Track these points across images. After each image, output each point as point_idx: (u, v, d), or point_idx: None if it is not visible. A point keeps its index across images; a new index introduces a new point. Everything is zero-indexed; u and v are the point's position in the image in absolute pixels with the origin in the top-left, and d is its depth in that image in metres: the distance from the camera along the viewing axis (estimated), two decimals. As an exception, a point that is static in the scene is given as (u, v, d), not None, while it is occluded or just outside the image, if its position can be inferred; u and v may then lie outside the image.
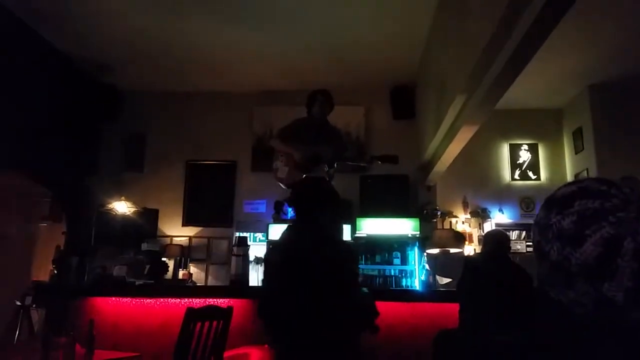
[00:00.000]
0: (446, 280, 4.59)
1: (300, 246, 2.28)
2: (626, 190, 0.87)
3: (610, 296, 0.80)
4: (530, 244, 7.58)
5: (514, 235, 7.65)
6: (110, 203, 6.95)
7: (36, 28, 6.29)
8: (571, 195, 0.88)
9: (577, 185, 0.91)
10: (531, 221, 7.62)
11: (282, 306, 2.10)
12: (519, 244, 7.60)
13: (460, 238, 5.27)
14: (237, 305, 2.48)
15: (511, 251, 7.22)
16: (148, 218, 7.20)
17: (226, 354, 2.36)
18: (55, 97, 6.71)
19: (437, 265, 4.63)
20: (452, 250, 4.81)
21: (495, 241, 3.33)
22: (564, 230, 0.85)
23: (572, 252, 0.83)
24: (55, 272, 4.79)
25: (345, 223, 4.65)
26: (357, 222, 6.98)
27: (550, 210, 0.88)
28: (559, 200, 0.89)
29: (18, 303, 5.34)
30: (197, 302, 3.28)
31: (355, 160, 3.99)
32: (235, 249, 3.70)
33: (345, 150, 4.14)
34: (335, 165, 3.86)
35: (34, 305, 5.70)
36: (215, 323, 2.12)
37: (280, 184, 3.90)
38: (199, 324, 1.99)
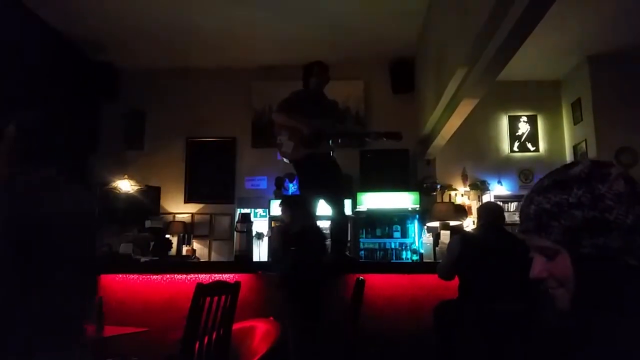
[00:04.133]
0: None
1: None
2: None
3: None
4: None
5: (512, 206, 7.72)
6: (112, 181, 6.99)
7: (31, 6, 6.22)
8: (600, 166, 0.92)
9: (588, 160, 0.95)
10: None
11: None
12: (517, 215, 7.66)
13: (460, 211, 5.33)
14: (242, 279, 2.54)
15: (509, 222, 7.38)
16: (150, 196, 7.26)
17: (234, 326, 2.43)
18: (51, 76, 6.66)
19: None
20: (452, 223, 4.86)
21: (491, 213, 3.37)
22: (621, 194, 0.87)
23: None
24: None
25: (346, 198, 4.69)
26: (358, 197, 7.04)
27: (588, 185, 0.89)
28: (590, 175, 0.91)
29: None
30: (203, 278, 3.35)
31: (361, 136, 4.00)
32: (238, 225, 3.77)
33: (342, 122, 4.13)
34: (340, 140, 3.87)
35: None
36: (223, 297, 2.19)
37: (285, 159, 3.91)
38: (208, 299, 2.05)
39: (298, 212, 3.23)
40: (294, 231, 3.09)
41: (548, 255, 0.95)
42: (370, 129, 7.17)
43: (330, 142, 3.80)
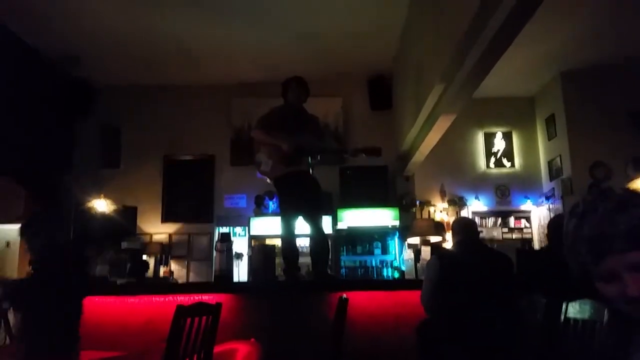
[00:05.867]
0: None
1: None
2: None
3: None
4: (506, 230, 7.77)
5: (490, 222, 7.81)
6: (88, 201, 6.84)
7: (5, 22, 6.11)
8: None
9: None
10: (506, 208, 7.80)
11: None
12: (495, 230, 7.77)
13: (440, 227, 5.35)
14: (222, 300, 2.49)
15: (487, 238, 7.46)
16: (127, 216, 7.12)
17: (215, 349, 2.37)
18: (24, 93, 6.53)
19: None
20: (433, 239, 4.88)
21: (467, 229, 3.33)
22: None
23: None
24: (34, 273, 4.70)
25: (326, 214, 4.65)
26: (338, 214, 7.03)
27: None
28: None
29: (-5, 306, 5.23)
30: (182, 299, 3.27)
31: (340, 152, 3.94)
32: (218, 244, 3.69)
33: (322, 136, 4.10)
34: (319, 157, 3.83)
35: (11, 308, 5.59)
36: (204, 319, 2.13)
37: (266, 179, 3.86)
38: (189, 321, 2.00)
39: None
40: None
41: None
42: (349, 145, 7.21)
43: (310, 159, 3.78)
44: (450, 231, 3.44)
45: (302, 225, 3.85)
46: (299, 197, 3.75)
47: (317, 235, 3.80)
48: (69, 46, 6.78)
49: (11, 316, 5.55)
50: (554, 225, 3.45)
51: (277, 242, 5.32)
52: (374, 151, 3.74)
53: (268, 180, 3.86)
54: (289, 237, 3.81)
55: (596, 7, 5.67)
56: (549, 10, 4.83)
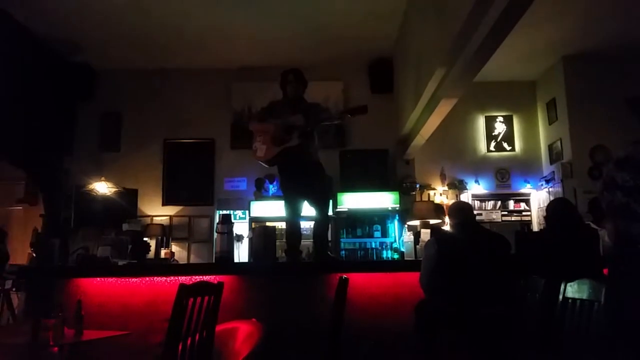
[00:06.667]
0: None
1: None
2: None
3: None
4: (506, 213, 7.81)
5: (489, 205, 7.85)
6: (89, 183, 6.86)
7: (6, 8, 6.06)
8: None
9: None
10: (506, 191, 7.83)
11: None
12: (494, 213, 7.81)
13: (440, 210, 5.37)
14: (224, 281, 2.51)
15: (486, 220, 7.51)
16: (128, 198, 7.14)
17: (216, 328, 2.40)
18: (26, 77, 6.51)
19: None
20: (432, 222, 4.90)
21: (464, 211, 3.35)
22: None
23: None
24: (35, 255, 4.73)
25: (330, 198, 4.66)
26: (338, 197, 7.05)
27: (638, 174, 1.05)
28: None
29: (-3, 287, 5.29)
30: (183, 280, 3.30)
31: (327, 120, 3.86)
32: (219, 226, 3.71)
33: (324, 112, 4.06)
34: (311, 131, 3.79)
35: (14, 289, 5.65)
36: (207, 298, 2.15)
37: (262, 163, 3.88)
38: (191, 300, 2.02)
39: None
40: None
41: None
42: (349, 128, 7.20)
43: (300, 134, 3.72)
44: (447, 215, 3.46)
45: (307, 208, 3.88)
46: (297, 176, 3.77)
47: (318, 217, 3.83)
48: (69, 31, 6.74)
49: (15, 297, 5.60)
50: (554, 208, 3.47)
51: (278, 225, 5.35)
52: (359, 110, 3.69)
53: (265, 165, 3.89)
54: (291, 218, 3.84)
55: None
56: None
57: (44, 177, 6.96)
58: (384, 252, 6.95)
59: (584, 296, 2.22)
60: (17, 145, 6.34)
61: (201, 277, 3.30)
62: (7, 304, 5.47)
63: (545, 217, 3.60)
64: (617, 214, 1.80)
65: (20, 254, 6.48)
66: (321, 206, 3.84)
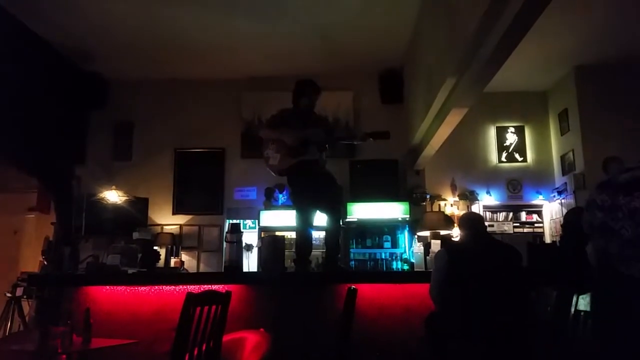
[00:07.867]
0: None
1: None
2: None
3: None
4: (518, 224, 7.73)
5: (501, 216, 7.78)
6: (100, 192, 6.91)
7: (18, 16, 6.16)
8: (636, 181, 1.02)
9: (636, 171, 1.05)
10: (518, 202, 7.76)
11: None
12: (506, 224, 7.74)
13: (450, 221, 5.32)
14: (232, 290, 2.50)
15: (497, 232, 7.44)
16: (138, 207, 7.17)
17: (224, 338, 2.38)
18: (39, 87, 6.60)
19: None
20: (443, 232, 4.86)
21: (476, 222, 3.32)
22: (636, 210, 0.97)
23: None
24: (46, 262, 4.75)
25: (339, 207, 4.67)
26: (348, 207, 7.02)
27: (616, 194, 1.00)
28: (624, 184, 1.01)
29: (8, 295, 5.31)
30: (192, 289, 3.30)
31: (348, 139, 3.90)
32: (228, 235, 3.72)
33: (332, 133, 4.11)
34: (327, 147, 3.83)
35: (24, 297, 5.68)
36: (214, 308, 2.14)
37: (272, 172, 3.88)
38: (198, 309, 2.01)
39: None
40: None
41: None
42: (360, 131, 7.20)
43: (318, 150, 3.76)
44: (458, 226, 3.42)
45: (319, 218, 3.88)
46: (309, 187, 3.77)
47: (330, 227, 3.83)
48: (83, 42, 6.84)
49: (25, 305, 5.63)
50: (569, 218, 3.43)
51: (287, 234, 5.34)
52: (382, 135, 3.72)
53: (276, 174, 3.89)
54: (302, 228, 3.83)
55: (611, 2, 5.59)
56: (560, 6, 4.80)
57: (56, 186, 7.02)
58: (394, 262, 6.89)
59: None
60: (30, 154, 6.41)
61: (210, 286, 3.30)
62: (18, 311, 5.50)
63: (562, 226, 3.56)
64: (595, 234, 1.81)
65: (33, 262, 6.53)
66: (334, 215, 3.84)
